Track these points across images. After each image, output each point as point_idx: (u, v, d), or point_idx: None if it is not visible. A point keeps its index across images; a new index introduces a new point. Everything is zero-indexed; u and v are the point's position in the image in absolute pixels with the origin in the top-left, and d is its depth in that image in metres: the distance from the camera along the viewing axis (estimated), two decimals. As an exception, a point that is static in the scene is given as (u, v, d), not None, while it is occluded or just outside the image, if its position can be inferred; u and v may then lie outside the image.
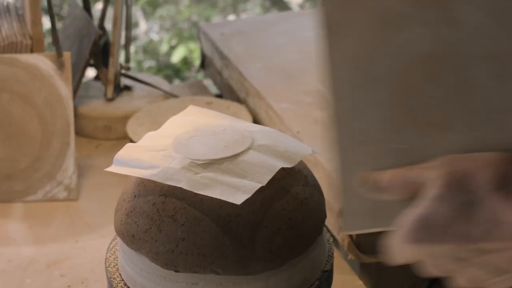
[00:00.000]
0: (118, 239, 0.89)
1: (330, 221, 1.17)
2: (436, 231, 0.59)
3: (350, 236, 1.14)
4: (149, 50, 3.41)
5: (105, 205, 1.29)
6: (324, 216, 0.88)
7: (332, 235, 1.14)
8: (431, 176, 0.61)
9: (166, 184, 0.82)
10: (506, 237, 0.57)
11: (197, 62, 3.17)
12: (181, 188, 0.81)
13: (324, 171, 1.19)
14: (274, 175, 0.82)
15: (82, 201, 1.30)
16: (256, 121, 1.43)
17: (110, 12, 1.51)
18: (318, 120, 1.32)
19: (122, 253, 0.87)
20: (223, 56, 1.59)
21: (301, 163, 0.89)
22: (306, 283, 0.86)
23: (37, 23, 1.30)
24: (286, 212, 0.82)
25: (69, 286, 0.97)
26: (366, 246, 1.15)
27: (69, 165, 1.30)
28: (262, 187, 0.81)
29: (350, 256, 1.16)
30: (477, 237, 0.58)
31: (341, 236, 1.16)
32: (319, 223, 0.86)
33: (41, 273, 0.99)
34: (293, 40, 1.65)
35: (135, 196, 0.85)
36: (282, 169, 0.84)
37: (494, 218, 0.58)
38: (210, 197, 0.80)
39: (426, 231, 0.59)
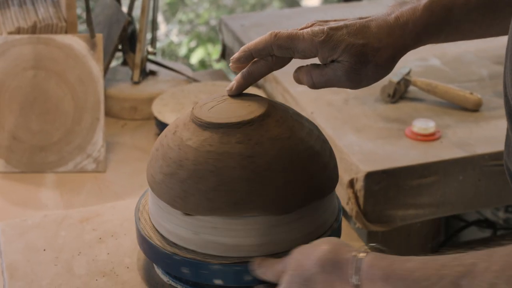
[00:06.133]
0: (148, 188, 0.98)
1: (340, 193, 1.26)
2: None
3: (358, 205, 1.23)
4: (168, 52, 3.51)
5: (131, 177, 1.39)
6: (336, 175, 0.96)
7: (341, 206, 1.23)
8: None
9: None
10: None
11: (214, 64, 3.26)
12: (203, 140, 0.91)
13: (335, 146, 1.28)
14: (293, 128, 0.91)
15: (109, 173, 1.40)
16: (272, 104, 1.52)
17: (137, 2, 1.61)
18: (332, 103, 1.42)
19: (151, 199, 0.96)
20: (243, 45, 1.68)
21: (310, 123, 0.97)
22: (314, 234, 0.94)
23: (71, 6, 1.40)
24: (300, 163, 0.91)
25: (100, 238, 1.06)
26: (372, 215, 1.23)
27: (99, 139, 1.39)
28: (280, 139, 0.90)
29: (357, 225, 1.24)
30: None
31: (350, 207, 1.24)
32: (331, 178, 0.94)
33: (75, 227, 1.08)
34: (309, 32, 1.74)
35: (163, 146, 0.94)
36: (300, 126, 0.93)
37: None
38: (228, 149, 0.89)
39: None
